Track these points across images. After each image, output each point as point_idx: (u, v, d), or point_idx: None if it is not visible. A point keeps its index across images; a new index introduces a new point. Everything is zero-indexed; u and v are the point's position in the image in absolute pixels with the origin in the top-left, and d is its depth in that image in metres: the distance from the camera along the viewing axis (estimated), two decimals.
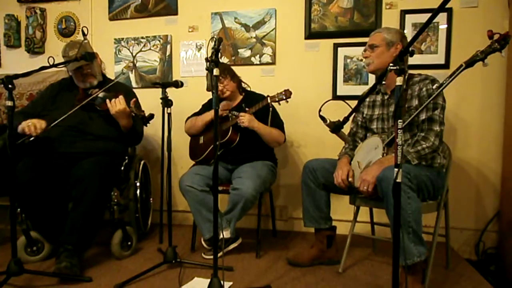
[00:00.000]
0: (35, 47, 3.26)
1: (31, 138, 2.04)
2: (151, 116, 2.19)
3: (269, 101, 2.29)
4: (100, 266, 2.15)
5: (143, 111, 2.23)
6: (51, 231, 2.16)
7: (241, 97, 2.55)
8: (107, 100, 2.18)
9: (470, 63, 1.67)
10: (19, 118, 2.18)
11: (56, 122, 2.07)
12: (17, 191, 1.96)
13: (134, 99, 2.22)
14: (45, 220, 2.15)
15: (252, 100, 2.41)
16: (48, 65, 1.91)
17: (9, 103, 1.76)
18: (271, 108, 2.37)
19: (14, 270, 1.81)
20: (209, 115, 2.46)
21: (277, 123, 2.45)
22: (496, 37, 1.62)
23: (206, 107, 2.63)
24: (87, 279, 1.95)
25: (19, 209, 2.21)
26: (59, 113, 2.13)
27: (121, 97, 2.18)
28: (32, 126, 2.03)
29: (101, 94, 2.23)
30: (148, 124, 2.23)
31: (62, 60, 2.15)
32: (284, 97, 2.26)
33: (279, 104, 2.30)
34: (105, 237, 2.34)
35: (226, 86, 2.44)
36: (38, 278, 1.95)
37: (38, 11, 3.24)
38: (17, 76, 1.80)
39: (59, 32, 3.29)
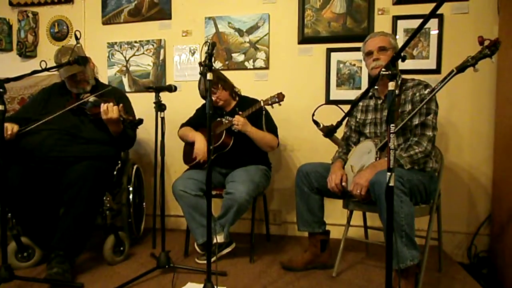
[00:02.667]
0: (27, 51, 3.24)
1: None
2: (140, 121, 2.18)
3: (262, 104, 2.29)
4: (92, 272, 2.13)
5: (132, 116, 2.22)
6: (42, 237, 2.14)
7: (234, 102, 2.55)
8: (102, 104, 2.16)
9: (461, 69, 1.69)
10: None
11: (31, 127, 2.08)
12: (8, 196, 1.94)
13: (122, 104, 2.20)
14: (36, 225, 2.12)
15: (245, 104, 2.41)
16: (40, 69, 1.90)
17: (0, 107, 1.75)
18: (264, 112, 2.38)
19: (4, 276, 1.79)
20: (193, 138, 2.46)
21: (271, 128, 2.45)
22: (486, 43, 1.64)
23: (199, 112, 2.63)
24: (79, 285, 1.92)
25: (9, 214, 2.18)
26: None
27: (115, 106, 2.16)
28: (5, 130, 2.03)
29: (91, 99, 2.22)
30: (136, 129, 2.22)
31: (54, 64, 2.14)
32: (277, 100, 2.27)
33: (272, 107, 2.30)
34: (97, 242, 2.32)
35: (219, 96, 2.44)
36: (28, 285, 1.92)
37: (30, 14, 3.22)
38: (8, 80, 1.79)
39: (52, 36, 3.27)
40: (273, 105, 2.28)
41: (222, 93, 2.45)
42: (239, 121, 2.29)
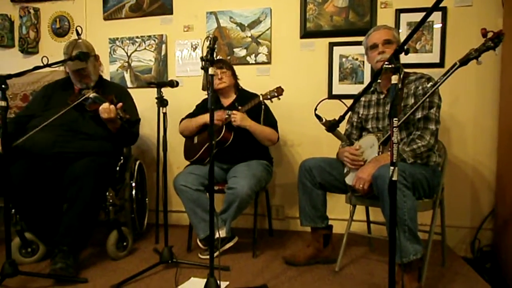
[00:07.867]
0: (28, 47, 3.24)
1: None
2: (137, 120, 2.19)
3: (261, 99, 2.29)
4: (96, 267, 2.14)
5: (130, 114, 2.22)
6: (46, 232, 2.15)
7: (235, 96, 2.55)
8: (104, 104, 2.16)
9: (464, 62, 1.68)
10: (11, 128, 2.15)
11: (18, 142, 2.05)
12: (12, 192, 1.94)
13: (120, 104, 2.19)
14: (39, 221, 2.13)
15: (245, 98, 2.40)
16: (42, 65, 1.90)
17: (2, 103, 1.75)
18: (263, 106, 2.37)
19: (8, 272, 1.80)
20: (202, 118, 2.47)
21: (270, 122, 2.45)
22: (490, 35, 1.63)
23: (199, 108, 2.62)
24: (83, 280, 1.94)
25: (13, 210, 2.20)
26: (53, 113, 2.12)
27: (112, 106, 2.15)
28: None
29: (91, 95, 2.22)
30: (135, 127, 2.23)
31: (56, 60, 2.13)
32: (276, 94, 2.26)
33: (271, 101, 2.30)
34: (101, 237, 2.33)
35: (224, 78, 2.44)
36: (33, 280, 1.93)
37: (31, 10, 3.22)
38: (10, 76, 1.79)
39: (53, 32, 3.27)
40: (272, 99, 2.27)
41: (229, 77, 2.47)
42: (237, 116, 2.29)
